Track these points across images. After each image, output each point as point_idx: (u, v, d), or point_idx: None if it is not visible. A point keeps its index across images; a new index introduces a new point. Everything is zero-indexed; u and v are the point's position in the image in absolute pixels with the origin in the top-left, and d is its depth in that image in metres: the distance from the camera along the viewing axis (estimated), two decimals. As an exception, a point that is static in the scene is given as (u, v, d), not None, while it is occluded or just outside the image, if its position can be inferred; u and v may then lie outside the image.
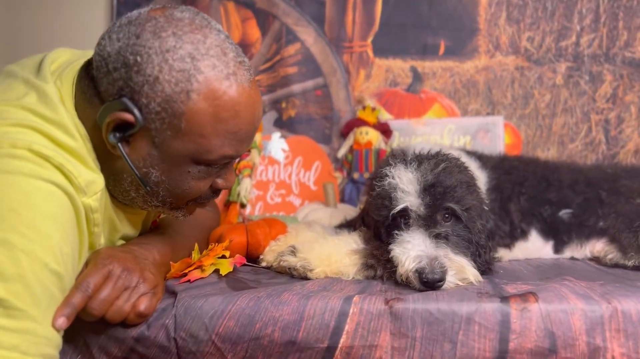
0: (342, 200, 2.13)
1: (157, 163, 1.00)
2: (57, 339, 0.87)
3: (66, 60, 1.07)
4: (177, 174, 1.02)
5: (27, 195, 0.87)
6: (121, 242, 1.16)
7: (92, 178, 0.98)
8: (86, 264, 0.99)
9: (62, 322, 0.87)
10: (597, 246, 1.43)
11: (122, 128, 0.97)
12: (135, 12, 0.99)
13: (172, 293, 1.05)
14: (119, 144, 0.98)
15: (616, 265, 1.35)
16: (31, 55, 1.10)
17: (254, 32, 2.19)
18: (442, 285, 1.08)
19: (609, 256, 1.38)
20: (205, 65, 0.95)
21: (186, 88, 0.94)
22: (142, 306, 0.97)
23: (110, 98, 0.96)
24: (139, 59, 0.93)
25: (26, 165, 0.88)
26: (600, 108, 2.09)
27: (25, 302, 0.82)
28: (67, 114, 0.98)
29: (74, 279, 0.94)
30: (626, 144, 2.07)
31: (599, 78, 2.08)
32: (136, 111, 0.95)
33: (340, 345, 0.96)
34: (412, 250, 1.12)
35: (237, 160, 1.11)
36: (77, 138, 0.97)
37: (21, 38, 2.28)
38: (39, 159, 0.90)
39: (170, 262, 1.15)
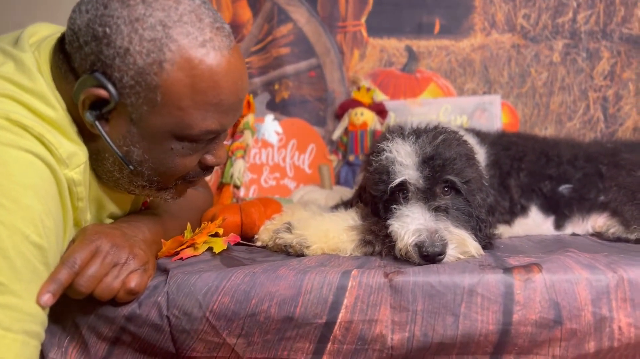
0: (338, 183, 2.10)
1: (137, 141, 0.95)
2: (41, 316, 0.84)
3: (46, 35, 1.03)
4: (159, 151, 0.97)
5: (5, 165, 0.83)
6: (110, 221, 1.12)
7: (74, 149, 0.94)
8: (73, 241, 0.95)
9: (48, 299, 0.83)
10: (599, 221, 1.41)
11: (98, 105, 0.92)
12: None
13: (164, 271, 1.01)
14: (97, 122, 0.93)
15: (618, 239, 1.33)
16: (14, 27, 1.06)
17: (245, 12, 2.14)
18: (442, 259, 1.05)
19: (611, 231, 1.35)
20: (178, 32, 0.89)
21: (158, 59, 0.89)
22: (133, 283, 0.93)
23: (84, 74, 0.92)
24: (107, 30, 0.88)
25: (4, 134, 0.84)
26: (598, 86, 2.06)
27: (5, 276, 0.79)
28: (46, 84, 0.93)
29: (59, 255, 0.90)
30: (625, 121, 2.04)
31: (597, 55, 2.05)
32: (110, 86, 0.90)
33: (339, 320, 0.93)
34: (411, 224, 1.09)
35: (227, 136, 1.05)
36: (58, 108, 0.93)
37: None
38: (17, 128, 0.86)
39: (162, 240, 1.11)
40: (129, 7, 0.89)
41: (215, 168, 1.91)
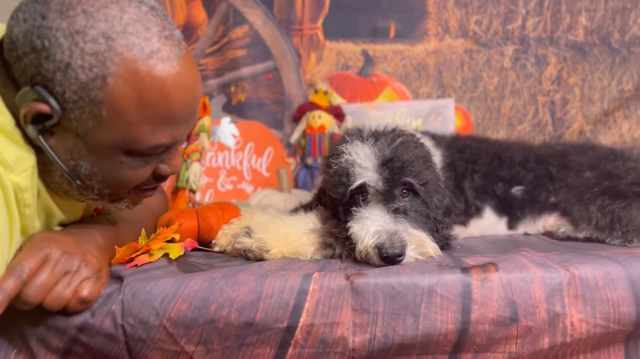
0: (296, 186, 2.09)
1: (85, 155, 0.91)
2: None
3: None
4: (108, 165, 0.92)
5: None
6: (59, 229, 1.07)
7: (20, 154, 0.88)
8: (20, 249, 0.90)
9: None
10: (550, 221, 1.45)
11: (42, 118, 0.87)
12: None
13: (118, 278, 0.97)
14: (40, 137, 0.88)
15: (568, 238, 1.38)
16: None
17: (200, 13, 2.11)
18: (402, 260, 1.06)
19: (561, 230, 1.40)
20: (122, 44, 0.84)
21: (102, 73, 0.84)
22: (85, 291, 0.89)
23: (24, 85, 0.86)
24: (46, 43, 0.83)
25: None
26: (546, 90, 2.13)
27: None
28: None
29: (4, 264, 0.85)
30: (571, 125, 2.12)
31: (544, 61, 2.13)
32: (52, 100, 0.85)
33: (300, 324, 0.92)
34: (371, 225, 1.10)
35: (182, 144, 1.02)
36: (3, 111, 0.88)
37: None
38: None
39: (115, 247, 1.07)
40: (69, 19, 0.83)
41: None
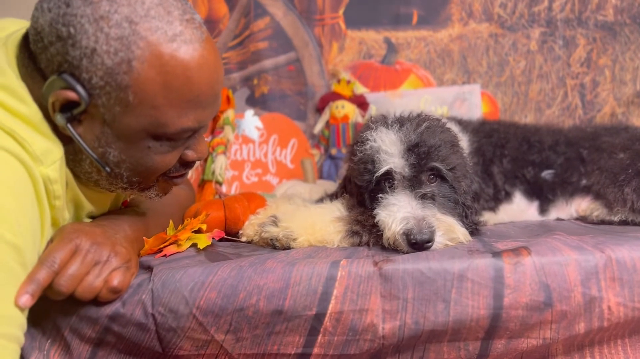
0: (321, 177, 2.08)
1: (113, 141, 0.91)
2: (20, 318, 0.80)
3: (14, 30, 0.98)
4: (136, 151, 0.93)
5: None
6: (89, 221, 1.08)
7: (48, 146, 0.89)
8: (51, 240, 0.91)
9: (26, 300, 0.79)
10: (582, 205, 1.41)
11: (69, 107, 0.88)
12: None
13: (147, 268, 0.98)
14: (69, 125, 0.89)
15: (602, 222, 1.34)
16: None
17: (221, 7, 2.11)
18: (431, 246, 1.04)
19: (595, 214, 1.36)
20: (145, 28, 0.85)
21: (127, 57, 0.85)
22: (115, 281, 0.90)
23: (51, 74, 0.87)
24: (72, 30, 0.84)
25: None
26: (575, 73, 2.08)
27: None
28: (17, 79, 0.89)
29: (37, 255, 0.86)
30: (602, 108, 2.06)
31: (573, 42, 2.07)
32: (79, 88, 0.86)
33: (329, 311, 0.91)
34: (398, 212, 1.08)
35: (207, 131, 1.02)
36: (30, 104, 0.89)
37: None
38: None
39: (144, 238, 1.08)
40: (93, 5, 0.84)
41: (196, 165, 1.89)
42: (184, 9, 0.91)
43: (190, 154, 1.01)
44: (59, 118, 0.89)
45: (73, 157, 0.96)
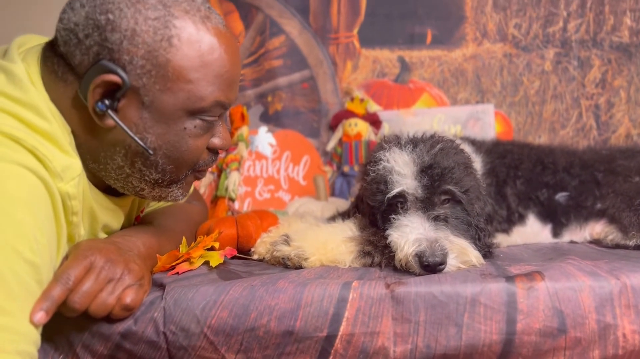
0: (333, 194, 2.08)
1: (150, 126, 0.96)
2: (34, 335, 0.80)
3: (34, 45, 1.02)
4: (173, 134, 0.98)
5: None
6: (103, 235, 1.09)
7: (68, 162, 0.92)
8: (66, 257, 0.92)
9: (41, 317, 0.80)
10: (597, 228, 1.40)
11: (108, 95, 0.93)
12: None
13: (160, 286, 0.99)
14: (110, 111, 0.93)
15: (617, 246, 1.32)
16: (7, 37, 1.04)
17: (237, 25, 2.14)
18: (443, 268, 1.04)
19: (610, 237, 1.35)
20: (178, 10, 0.94)
21: (167, 35, 0.92)
22: (128, 298, 0.91)
23: (88, 67, 0.92)
24: (110, 16, 0.90)
25: None
26: (590, 94, 2.07)
27: None
28: (39, 95, 0.92)
29: (52, 272, 0.87)
30: (617, 129, 2.05)
31: (588, 63, 2.07)
32: (120, 70, 0.91)
33: (340, 333, 0.91)
34: (410, 233, 1.08)
35: (227, 121, 1.09)
36: (51, 120, 0.91)
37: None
38: (10, 141, 0.83)
39: (157, 255, 1.09)
40: None
41: (209, 181, 1.91)
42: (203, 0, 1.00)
43: (217, 141, 1.06)
44: (100, 106, 0.92)
45: (104, 154, 0.99)
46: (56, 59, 0.95)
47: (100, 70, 0.91)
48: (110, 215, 1.08)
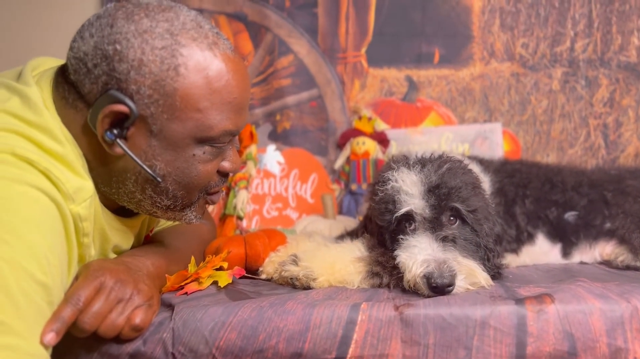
0: (341, 212, 2.08)
1: (159, 154, 0.97)
2: (44, 356, 0.80)
3: (47, 68, 1.04)
4: (182, 161, 0.98)
5: (10, 200, 0.81)
6: (113, 255, 1.10)
7: (81, 184, 0.93)
8: (76, 277, 0.93)
9: (51, 338, 0.81)
10: (607, 249, 1.39)
11: (116, 124, 0.94)
12: (101, 9, 0.98)
13: (169, 306, 0.99)
14: (119, 140, 0.94)
15: (627, 267, 1.31)
16: (16, 57, 1.06)
17: (246, 45, 2.16)
18: (452, 290, 1.03)
19: (620, 259, 1.34)
20: (185, 38, 0.94)
21: (173, 64, 0.92)
22: (138, 319, 0.91)
23: (97, 96, 0.93)
24: (118, 47, 0.91)
25: (9, 169, 0.83)
26: (598, 113, 2.07)
27: (8, 315, 0.76)
28: (52, 118, 0.93)
29: (63, 293, 0.88)
30: (626, 148, 2.04)
31: (595, 82, 2.07)
32: (128, 100, 0.92)
33: (349, 356, 0.91)
34: (418, 254, 1.08)
35: (237, 142, 1.09)
36: (64, 143, 0.93)
37: (11, 38, 2.23)
38: (23, 163, 0.84)
39: (166, 275, 1.09)
40: (135, 22, 0.93)
41: (219, 198, 1.91)
42: (211, 25, 1.01)
43: (227, 165, 1.06)
44: (108, 135, 0.93)
45: (116, 179, 0.99)
46: (67, 86, 0.97)
47: (108, 100, 0.92)
48: (121, 236, 1.09)
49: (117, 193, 1.01)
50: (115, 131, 0.93)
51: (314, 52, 2.15)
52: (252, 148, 1.97)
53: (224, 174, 1.08)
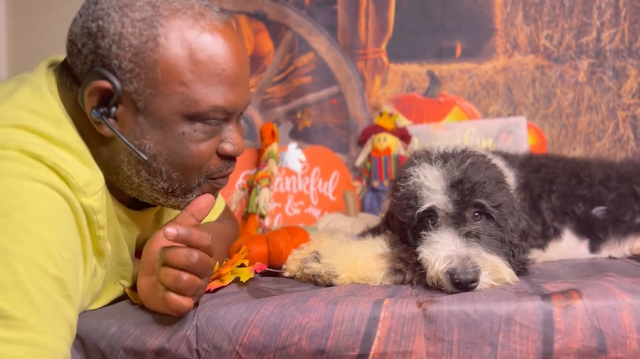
0: (363, 210, 2.07)
1: (147, 132, 0.94)
2: (63, 350, 0.81)
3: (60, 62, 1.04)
4: (171, 140, 0.95)
5: (19, 197, 0.81)
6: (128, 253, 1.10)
7: (91, 176, 0.92)
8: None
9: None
10: (637, 244, 1.36)
11: (103, 103, 0.93)
12: None
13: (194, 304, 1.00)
14: (104, 118, 0.93)
15: (659, 262, 1.28)
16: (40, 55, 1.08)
17: (267, 43, 2.17)
18: (475, 286, 1.02)
19: (651, 253, 1.30)
20: (167, 9, 0.91)
21: (152, 34, 0.90)
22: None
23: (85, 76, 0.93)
24: (100, 22, 0.91)
25: (17, 167, 0.83)
26: (627, 104, 2.02)
27: (24, 311, 0.77)
28: (59, 106, 0.94)
29: (79, 287, 0.88)
30: (656, 140, 1.99)
31: (623, 73, 2.02)
32: (110, 75, 0.91)
33: (372, 352, 0.90)
34: (441, 250, 1.06)
35: (238, 118, 1.05)
36: (71, 131, 0.93)
37: (34, 38, 2.28)
38: (31, 160, 0.84)
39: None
40: None
41: (240, 198, 1.92)
42: None
43: (227, 147, 1.01)
44: (94, 113, 0.92)
45: (113, 164, 0.98)
46: (65, 71, 0.98)
47: (93, 77, 0.91)
48: (126, 228, 1.08)
49: (118, 179, 1.00)
50: (101, 109, 0.92)
51: (333, 49, 2.14)
52: (274, 147, 1.97)
53: (226, 157, 1.03)
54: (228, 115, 0.99)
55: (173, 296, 0.91)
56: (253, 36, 2.17)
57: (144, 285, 1.00)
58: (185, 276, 0.90)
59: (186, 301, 0.91)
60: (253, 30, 2.17)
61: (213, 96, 0.94)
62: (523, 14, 2.07)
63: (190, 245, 0.90)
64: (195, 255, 0.90)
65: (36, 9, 2.31)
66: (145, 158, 0.95)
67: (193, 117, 0.95)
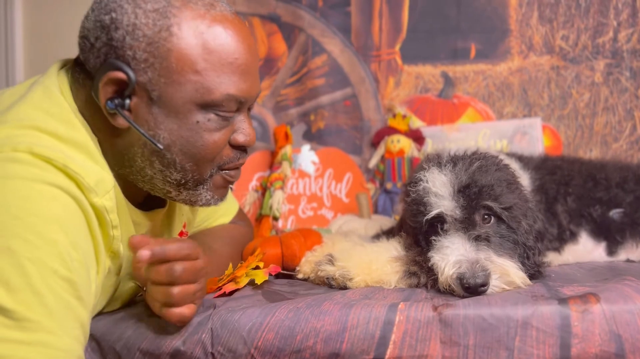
0: (376, 211, 2.07)
1: (162, 121, 0.95)
2: (77, 351, 0.82)
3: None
4: (186, 129, 0.96)
5: (29, 200, 0.82)
6: None
7: (101, 175, 0.92)
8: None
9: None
10: (655, 246, 1.34)
11: (119, 94, 0.94)
12: None
13: (207, 307, 1.00)
14: (119, 109, 0.94)
15: (678, 265, 1.26)
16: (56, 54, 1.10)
17: (280, 45, 2.17)
18: (485, 290, 1.01)
19: (670, 256, 1.28)
20: (178, 0, 0.93)
21: (166, 24, 0.92)
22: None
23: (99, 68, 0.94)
24: (113, 15, 0.92)
25: (27, 169, 0.83)
26: (644, 105, 1.99)
27: (37, 312, 0.77)
28: (69, 106, 0.95)
29: (91, 288, 0.89)
30: (674, 141, 1.96)
31: (641, 73, 1.99)
32: (125, 66, 0.92)
33: (387, 356, 0.90)
34: (450, 255, 1.06)
35: (250, 109, 1.06)
36: (82, 130, 0.94)
37: (48, 37, 2.30)
38: (40, 162, 0.85)
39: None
40: None
41: (254, 199, 1.93)
42: None
43: (239, 137, 1.03)
44: (109, 104, 0.93)
45: (127, 157, 0.99)
46: (77, 68, 0.99)
47: (107, 68, 0.92)
48: (136, 229, 1.08)
49: (131, 173, 1.01)
50: (116, 101, 0.93)
51: (347, 51, 2.14)
52: (287, 149, 1.98)
53: (238, 147, 1.04)
54: (240, 105, 1.01)
55: (170, 311, 0.91)
56: (267, 38, 2.18)
57: (147, 295, 1.00)
58: (176, 289, 0.90)
59: (186, 310, 0.92)
60: (267, 33, 2.18)
61: (226, 84, 0.96)
62: (538, 15, 2.05)
63: (169, 260, 0.89)
64: (177, 267, 0.89)
65: (52, 14, 2.33)
66: (161, 147, 0.96)
67: (207, 106, 0.96)
